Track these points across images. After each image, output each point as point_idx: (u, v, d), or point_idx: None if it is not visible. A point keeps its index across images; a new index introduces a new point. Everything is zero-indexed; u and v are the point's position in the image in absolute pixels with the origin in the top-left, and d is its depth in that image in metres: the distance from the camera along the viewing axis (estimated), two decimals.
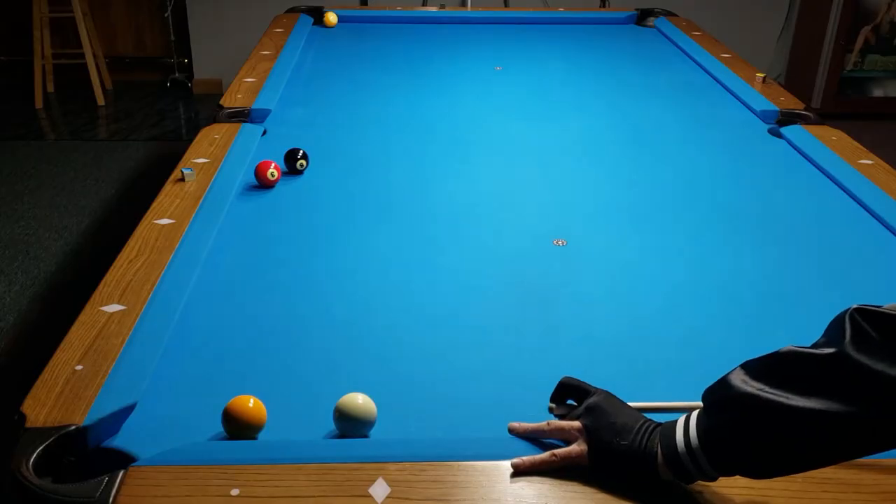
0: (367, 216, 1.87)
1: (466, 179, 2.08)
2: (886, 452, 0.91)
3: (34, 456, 1.04)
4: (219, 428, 1.16)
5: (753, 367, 0.94)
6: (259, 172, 1.97)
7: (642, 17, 3.75)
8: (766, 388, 0.90)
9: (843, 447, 0.90)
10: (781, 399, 0.89)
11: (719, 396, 0.95)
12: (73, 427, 1.10)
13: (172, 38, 5.40)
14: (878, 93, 5.12)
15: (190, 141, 2.19)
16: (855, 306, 0.89)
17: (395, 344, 1.40)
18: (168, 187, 1.89)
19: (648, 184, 2.07)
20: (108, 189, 3.99)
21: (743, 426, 0.92)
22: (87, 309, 1.39)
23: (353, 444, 1.12)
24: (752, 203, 1.97)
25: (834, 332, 0.89)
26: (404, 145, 2.29)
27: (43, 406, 1.14)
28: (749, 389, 0.91)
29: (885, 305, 0.87)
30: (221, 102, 2.46)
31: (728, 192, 2.03)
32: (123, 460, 1.07)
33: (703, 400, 0.98)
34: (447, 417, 1.18)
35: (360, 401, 1.16)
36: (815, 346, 0.90)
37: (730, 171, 2.16)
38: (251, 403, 1.16)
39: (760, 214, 1.91)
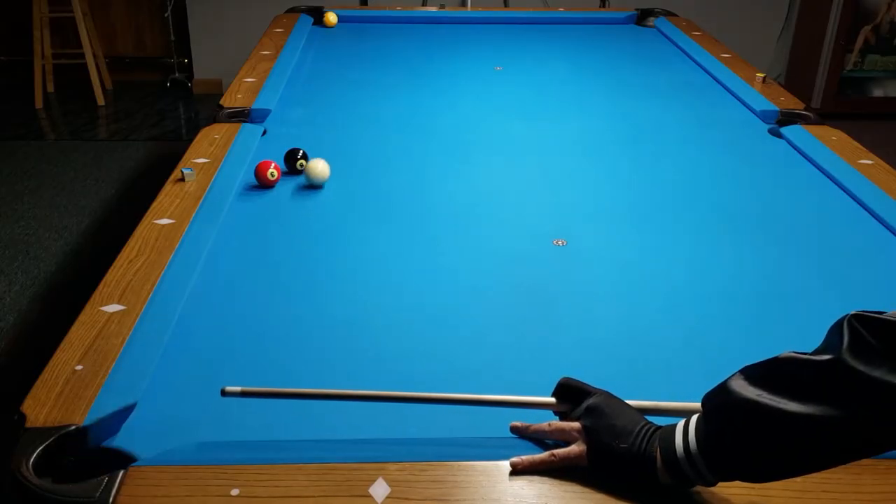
0: (367, 216, 1.87)
1: (466, 179, 2.08)
2: (886, 453, 0.91)
3: (34, 456, 1.04)
4: (219, 428, 1.16)
5: (752, 373, 0.93)
6: (259, 172, 1.97)
7: (642, 17, 3.75)
8: (765, 394, 0.90)
9: (840, 452, 0.90)
10: (780, 405, 0.89)
11: (718, 402, 0.95)
12: (73, 427, 1.10)
13: (172, 38, 5.40)
14: (878, 93, 5.12)
15: (190, 141, 2.19)
16: (853, 312, 0.88)
17: (394, 343, 1.39)
18: (168, 187, 1.89)
19: (648, 184, 2.07)
20: (108, 189, 3.99)
21: (742, 432, 0.92)
22: (87, 309, 1.39)
23: (353, 445, 1.12)
24: (752, 203, 1.97)
25: (832, 338, 0.89)
26: (404, 145, 2.29)
27: (43, 406, 1.14)
28: (748, 395, 0.91)
29: (887, 313, 0.87)
30: (221, 102, 2.46)
31: (728, 192, 2.03)
32: (123, 460, 1.07)
33: (703, 405, 0.98)
34: (447, 417, 1.18)
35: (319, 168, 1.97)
36: (814, 352, 0.90)
37: (730, 171, 2.16)
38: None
39: (760, 214, 1.91)
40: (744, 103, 2.64)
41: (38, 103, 5.07)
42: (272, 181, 1.97)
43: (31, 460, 1.03)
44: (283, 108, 2.49)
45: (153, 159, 4.35)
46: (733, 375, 0.95)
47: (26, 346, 2.78)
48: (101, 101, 5.15)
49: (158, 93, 5.41)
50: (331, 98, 2.66)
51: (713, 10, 5.06)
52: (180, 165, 1.99)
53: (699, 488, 1.00)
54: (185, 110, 5.18)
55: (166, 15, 5.36)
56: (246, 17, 5.18)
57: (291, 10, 3.69)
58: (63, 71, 5.28)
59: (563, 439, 1.08)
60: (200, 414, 1.20)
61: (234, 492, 1.00)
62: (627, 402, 1.08)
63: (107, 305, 1.40)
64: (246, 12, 5.19)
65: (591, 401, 1.07)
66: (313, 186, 2.00)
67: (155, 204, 1.80)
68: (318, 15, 3.59)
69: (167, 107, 5.20)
